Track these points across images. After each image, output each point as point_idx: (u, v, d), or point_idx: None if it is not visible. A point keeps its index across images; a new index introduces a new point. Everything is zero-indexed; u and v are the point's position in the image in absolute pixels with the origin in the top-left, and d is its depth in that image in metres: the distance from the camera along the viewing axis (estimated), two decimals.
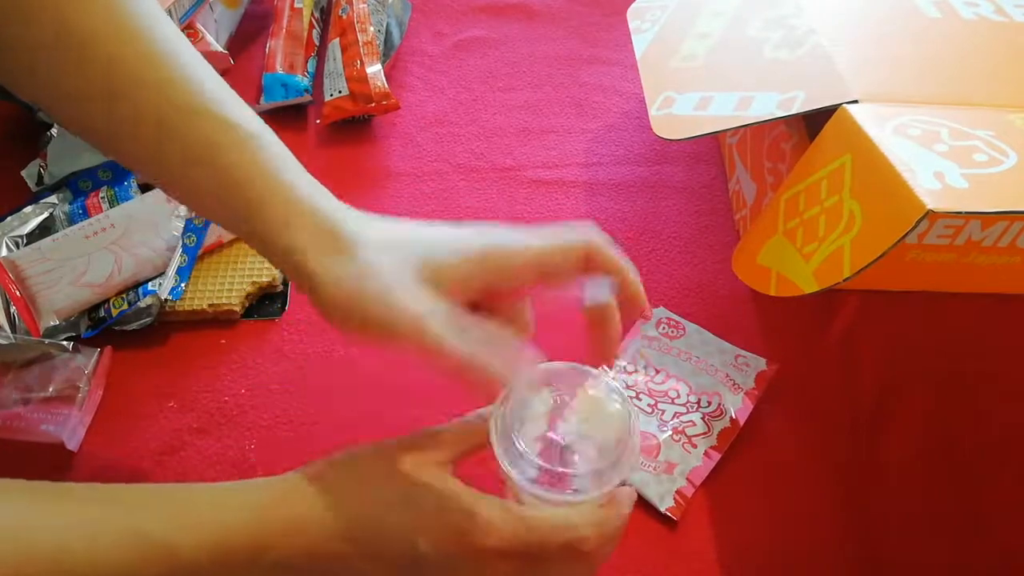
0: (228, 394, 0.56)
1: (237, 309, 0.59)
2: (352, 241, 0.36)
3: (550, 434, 0.37)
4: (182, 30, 0.71)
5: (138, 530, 0.32)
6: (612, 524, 0.36)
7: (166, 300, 0.57)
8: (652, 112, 0.55)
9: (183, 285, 0.58)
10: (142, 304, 0.56)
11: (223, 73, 0.78)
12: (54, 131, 0.65)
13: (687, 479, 0.50)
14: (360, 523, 0.35)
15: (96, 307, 0.58)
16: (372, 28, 0.76)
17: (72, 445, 0.51)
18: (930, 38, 0.56)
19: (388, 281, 0.35)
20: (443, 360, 0.34)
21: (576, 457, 0.37)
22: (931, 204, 0.40)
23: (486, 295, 0.38)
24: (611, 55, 0.84)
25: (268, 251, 0.37)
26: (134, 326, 0.57)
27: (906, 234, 0.41)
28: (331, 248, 0.35)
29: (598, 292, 0.39)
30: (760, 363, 0.56)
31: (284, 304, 0.61)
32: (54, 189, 0.65)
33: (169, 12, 0.68)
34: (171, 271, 0.57)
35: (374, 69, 0.73)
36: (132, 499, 0.34)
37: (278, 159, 0.39)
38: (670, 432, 0.52)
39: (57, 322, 0.57)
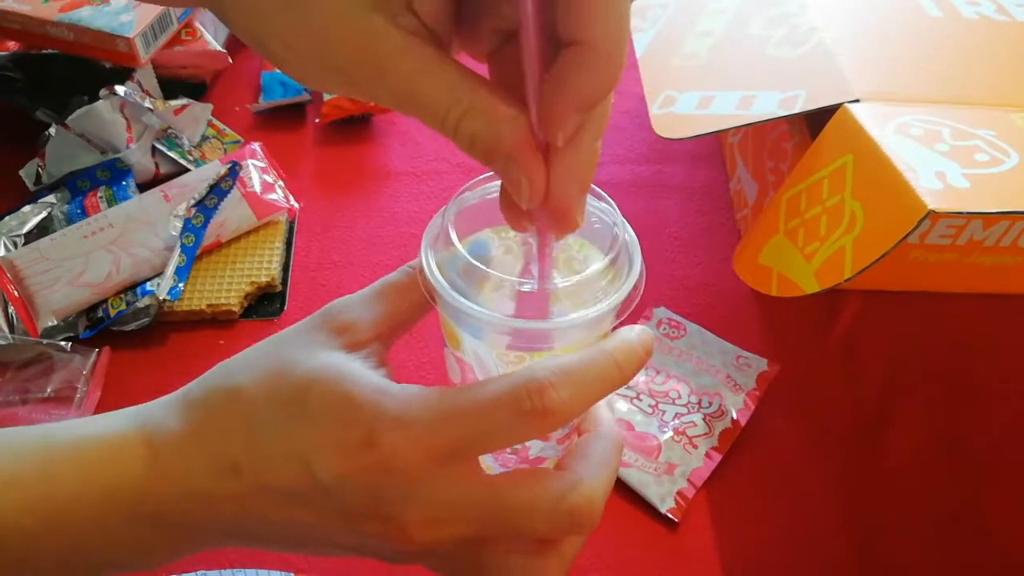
0: None
1: (236, 309, 0.59)
2: None
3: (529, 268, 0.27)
4: (181, 29, 0.71)
5: None
6: (590, 369, 0.25)
7: (164, 300, 0.56)
8: (653, 111, 0.55)
9: (181, 285, 0.58)
10: (140, 304, 0.56)
11: (221, 72, 0.78)
12: (52, 131, 0.65)
13: (688, 480, 0.50)
14: (242, 447, 0.25)
15: (94, 307, 0.58)
16: None
17: None
18: (932, 37, 0.56)
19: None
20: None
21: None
22: (932, 204, 0.40)
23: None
24: None
25: None
26: (132, 326, 0.57)
27: (908, 234, 0.40)
28: None
29: None
30: (761, 363, 0.56)
31: (283, 304, 0.61)
32: (52, 189, 0.64)
33: (168, 10, 0.68)
34: (169, 271, 0.57)
35: None
36: None
37: None
38: (671, 433, 0.52)
39: (55, 322, 0.57)
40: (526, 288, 0.26)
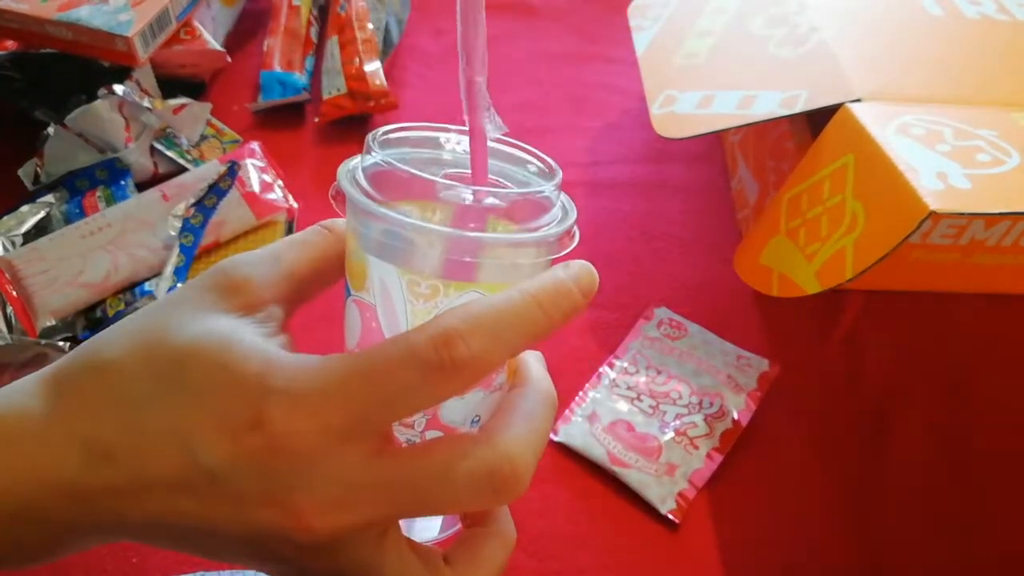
0: None
1: None
2: None
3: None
4: (179, 28, 0.71)
5: None
6: (506, 311, 0.22)
7: None
8: (653, 110, 0.55)
9: (180, 285, 0.57)
10: (139, 304, 0.56)
11: (220, 71, 0.78)
12: (50, 130, 0.65)
13: (689, 481, 0.50)
14: (115, 430, 0.22)
15: (93, 307, 0.58)
16: (371, 25, 0.75)
17: None
18: (933, 37, 0.56)
19: None
20: None
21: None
22: (934, 205, 0.40)
23: None
24: (612, 53, 0.84)
25: None
26: None
27: (908, 235, 0.40)
28: None
29: None
30: (762, 364, 0.56)
31: None
32: (51, 188, 0.64)
33: (166, 9, 0.67)
34: (168, 271, 0.57)
35: (373, 67, 0.72)
36: None
37: None
38: (672, 433, 0.52)
39: (54, 322, 0.56)
40: (464, 197, 0.23)
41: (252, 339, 0.23)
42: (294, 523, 0.22)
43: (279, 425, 0.21)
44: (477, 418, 0.26)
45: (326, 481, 0.22)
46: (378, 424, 0.22)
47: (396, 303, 0.24)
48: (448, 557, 0.26)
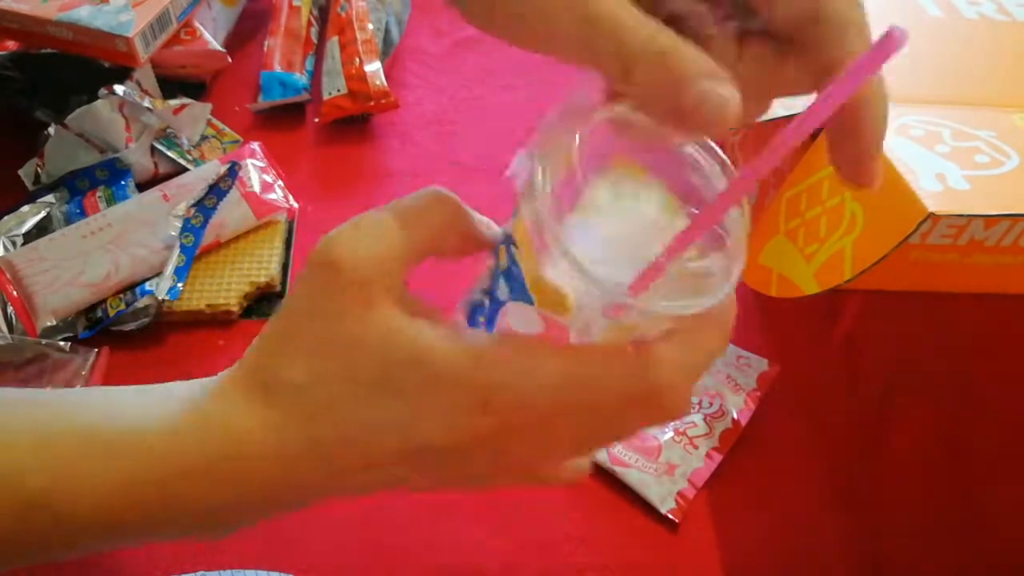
0: None
1: (235, 309, 0.59)
2: None
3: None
4: (180, 28, 0.71)
5: (19, 481, 0.24)
6: (703, 350, 0.25)
7: (163, 300, 0.56)
8: None
9: (180, 285, 0.58)
10: (139, 304, 0.56)
11: (221, 71, 0.78)
12: (51, 130, 0.65)
13: (688, 480, 0.50)
14: (332, 433, 0.25)
15: (93, 307, 0.58)
16: (371, 26, 0.75)
17: None
18: (932, 37, 0.56)
19: None
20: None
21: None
22: (933, 206, 0.40)
23: None
24: None
25: None
26: (131, 326, 0.57)
27: (907, 237, 0.40)
28: None
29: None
30: (762, 364, 0.56)
31: None
32: (51, 188, 0.64)
33: (167, 10, 0.67)
34: (168, 271, 0.57)
35: (373, 67, 0.73)
36: (14, 438, 0.25)
37: None
38: (671, 433, 0.52)
39: (54, 322, 0.56)
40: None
41: (423, 328, 0.24)
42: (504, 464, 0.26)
43: (503, 415, 0.24)
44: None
45: (540, 432, 0.25)
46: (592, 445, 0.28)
47: (595, 337, 0.25)
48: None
